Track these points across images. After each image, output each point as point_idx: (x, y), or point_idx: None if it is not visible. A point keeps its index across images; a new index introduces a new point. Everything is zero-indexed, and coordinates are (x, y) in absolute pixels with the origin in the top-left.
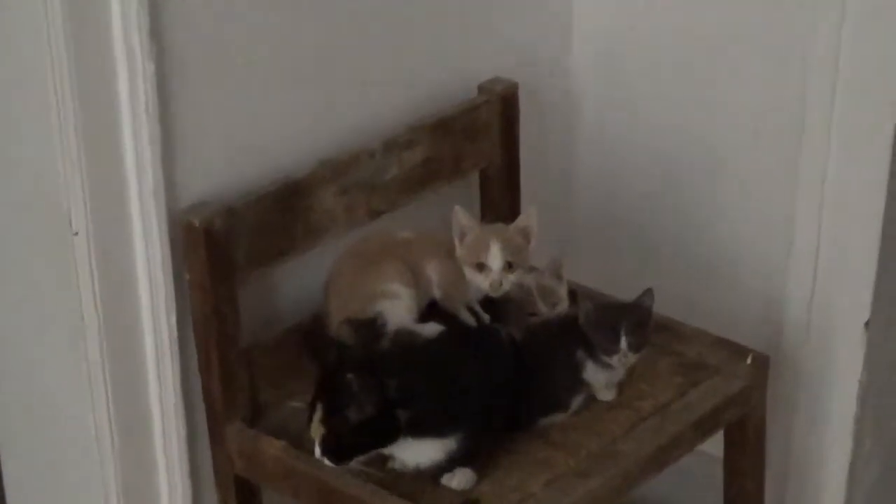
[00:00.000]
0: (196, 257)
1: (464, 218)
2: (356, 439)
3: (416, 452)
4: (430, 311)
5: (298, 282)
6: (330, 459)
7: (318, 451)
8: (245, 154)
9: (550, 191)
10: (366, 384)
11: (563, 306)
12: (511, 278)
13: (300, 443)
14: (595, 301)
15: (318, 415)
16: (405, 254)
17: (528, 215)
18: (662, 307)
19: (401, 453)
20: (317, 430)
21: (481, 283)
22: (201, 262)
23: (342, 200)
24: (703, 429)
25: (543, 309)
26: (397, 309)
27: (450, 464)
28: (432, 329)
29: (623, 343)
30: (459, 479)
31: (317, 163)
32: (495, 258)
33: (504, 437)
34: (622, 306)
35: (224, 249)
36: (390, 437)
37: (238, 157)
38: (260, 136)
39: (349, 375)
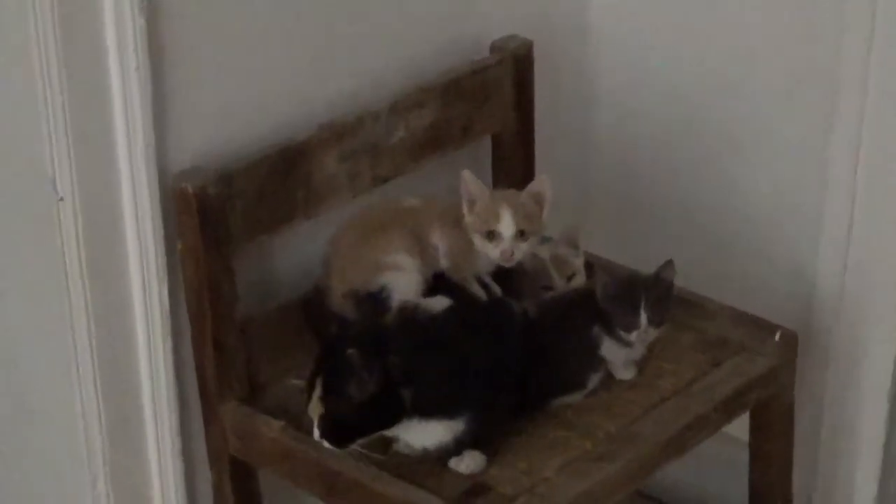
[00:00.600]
0: (189, 225)
1: (473, 183)
2: (358, 420)
3: (421, 434)
4: (438, 283)
5: (298, 252)
6: (329, 441)
7: (316, 432)
8: (242, 116)
9: (566, 156)
10: (368, 360)
11: (580, 279)
12: (524, 247)
13: (299, 423)
14: (613, 273)
15: (317, 393)
16: (411, 222)
17: (541, 181)
18: (684, 280)
19: (406, 435)
20: (315, 410)
21: (492, 252)
22: (194, 231)
23: (345, 166)
24: (727, 410)
25: (558, 281)
26: (402, 281)
27: (458, 446)
28: (440, 303)
29: (642, 318)
30: (468, 463)
31: (318, 126)
32: (507, 225)
33: (516, 418)
34: (642, 279)
35: (219, 217)
36: (394, 417)
37: (234, 119)
38: (258, 97)
39: (350, 351)
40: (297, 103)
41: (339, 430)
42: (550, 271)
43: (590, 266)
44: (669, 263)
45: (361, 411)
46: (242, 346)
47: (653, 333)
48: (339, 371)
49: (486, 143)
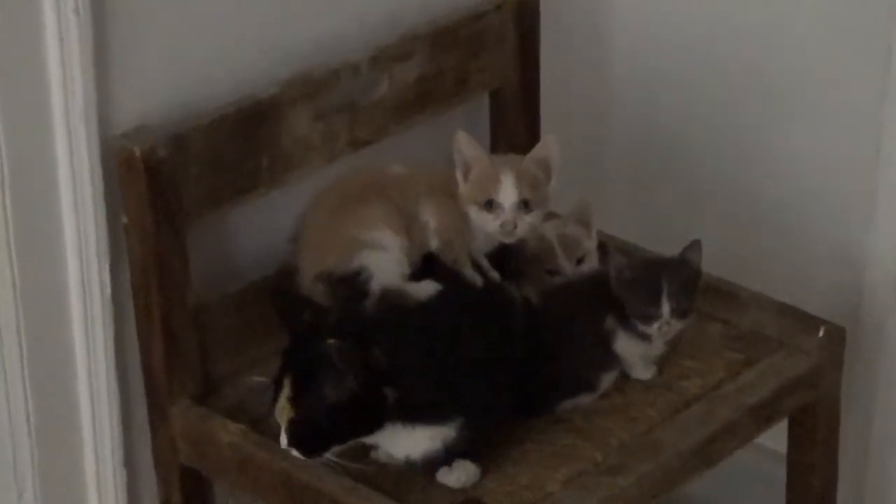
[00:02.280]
0: (135, 195)
1: (468, 146)
2: (333, 424)
3: (405, 441)
4: (426, 266)
5: (262, 228)
6: (300, 450)
7: (284, 439)
8: (198, 67)
9: (577, 117)
10: (349, 353)
11: (591, 262)
12: (528, 220)
13: (262, 426)
14: (630, 256)
15: (285, 393)
16: (395, 194)
17: (547, 143)
18: (713, 265)
19: (386, 442)
20: (284, 413)
21: (490, 225)
22: (142, 202)
23: (318, 126)
24: (761, 417)
25: (566, 265)
26: (384, 262)
27: (447, 455)
28: (427, 289)
29: (664, 308)
30: (459, 475)
31: (287, 79)
32: (508, 193)
33: (515, 423)
34: (663, 263)
35: (170, 186)
36: (376, 421)
37: (189, 71)
38: (217, 46)
39: (330, 341)
40: (262, 53)
41: (312, 437)
42: (557, 253)
43: (603, 247)
44: (696, 245)
45: (338, 414)
46: (197, 336)
47: (676, 326)
48: (313, 366)
49: (484, 102)
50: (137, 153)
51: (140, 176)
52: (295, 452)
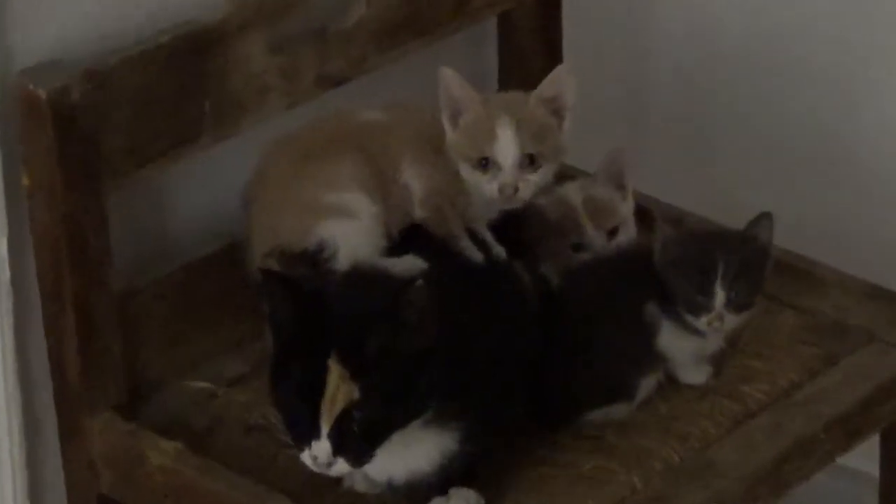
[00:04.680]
0: (40, 149)
1: (456, 85)
2: (405, 397)
3: (386, 460)
4: (409, 238)
5: (206, 190)
6: (352, 456)
7: (325, 447)
8: None
9: (610, 50)
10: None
11: (628, 233)
12: (534, 180)
13: (203, 443)
14: (679, 226)
15: (335, 376)
16: (370, 146)
17: (558, 78)
18: (786, 237)
19: None
20: (336, 405)
21: (486, 188)
22: (49, 157)
23: (276, 60)
24: (846, 431)
25: (595, 237)
26: (353, 233)
27: (442, 480)
28: (408, 266)
29: (717, 298)
30: None
31: (236, 0)
32: (507, 148)
33: (529, 438)
34: (721, 237)
35: (86, 137)
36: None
37: None
38: None
39: (418, 283)
40: None
41: (377, 430)
42: (583, 221)
43: (644, 215)
44: (765, 219)
45: (411, 382)
46: (121, 330)
47: (731, 321)
48: (360, 333)
49: (491, 28)
50: (43, 95)
51: (47, 124)
52: (338, 467)
